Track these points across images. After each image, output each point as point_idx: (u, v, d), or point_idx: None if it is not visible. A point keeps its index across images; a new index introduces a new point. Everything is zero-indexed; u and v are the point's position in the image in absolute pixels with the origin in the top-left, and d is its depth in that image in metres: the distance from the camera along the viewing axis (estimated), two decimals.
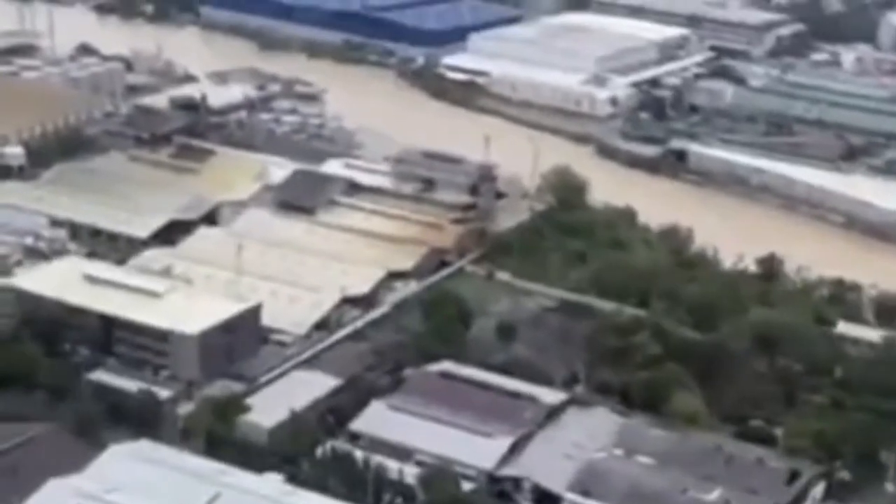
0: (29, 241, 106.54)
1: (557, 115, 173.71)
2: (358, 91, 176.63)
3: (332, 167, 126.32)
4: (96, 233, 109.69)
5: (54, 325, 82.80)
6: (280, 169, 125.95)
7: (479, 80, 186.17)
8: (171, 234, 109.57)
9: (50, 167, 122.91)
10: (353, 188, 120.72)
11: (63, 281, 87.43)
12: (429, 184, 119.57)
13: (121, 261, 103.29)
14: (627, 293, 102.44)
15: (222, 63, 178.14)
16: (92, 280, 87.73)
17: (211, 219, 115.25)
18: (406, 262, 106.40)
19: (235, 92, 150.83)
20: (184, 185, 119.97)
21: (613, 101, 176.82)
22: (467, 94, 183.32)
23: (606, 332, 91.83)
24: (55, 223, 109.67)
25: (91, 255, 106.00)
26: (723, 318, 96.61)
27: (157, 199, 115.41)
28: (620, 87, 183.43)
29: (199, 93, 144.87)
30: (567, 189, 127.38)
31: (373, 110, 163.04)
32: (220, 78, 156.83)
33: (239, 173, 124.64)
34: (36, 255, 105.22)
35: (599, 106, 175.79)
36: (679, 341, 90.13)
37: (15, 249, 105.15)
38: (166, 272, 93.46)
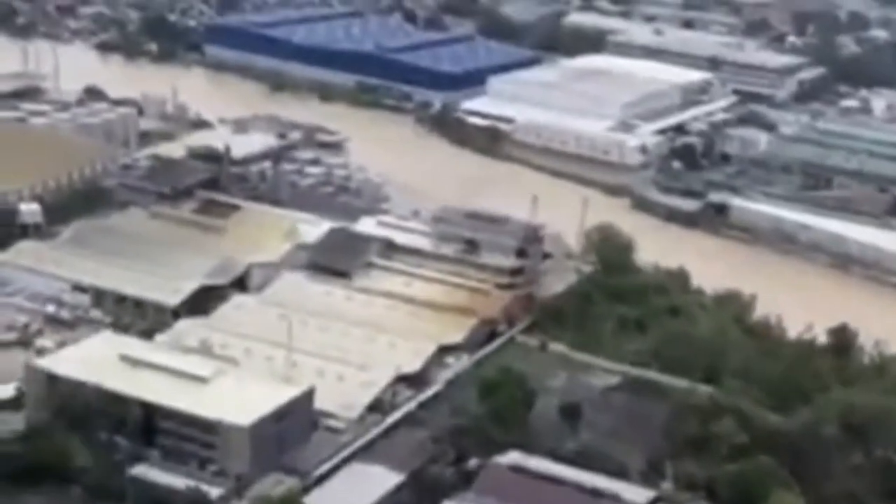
0: (50, 308, 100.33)
1: (585, 164, 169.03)
2: (377, 138, 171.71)
3: (366, 225, 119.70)
4: (121, 299, 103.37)
5: (91, 413, 76.06)
6: (310, 226, 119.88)
7: (502, 126, 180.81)
8: (200, 300, 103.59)
9: (66, 224, 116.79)
10: (390, 249, 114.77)
11: (98, 363, 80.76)
12: (471, 245, 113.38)
13: (150, 330, 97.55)
14: (693, 367, 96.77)
15: (234, 106, 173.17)
16: (130, 362, 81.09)
17: (241, 282, 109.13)
18: (455, 333, 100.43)
19: (256, 141, 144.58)
20: (210, 245, 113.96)
21: (643, 150, 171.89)
22: (490, 141, 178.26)
23: (684, 416, 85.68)
24: (76, 288, 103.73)
25: (117, 324, 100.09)
26: (802, 399, 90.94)
27: (184, 262, 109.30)
28: (648, 134, 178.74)
29: (219, 141, 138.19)
30: (613, 248, 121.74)
31: (395, 159, 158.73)
32: (239, 126, 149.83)
33: (267, 231, 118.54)
34: (57, 323, 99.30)
35: (629, 154, 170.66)
36: (764, 428, 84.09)
37: (35, 318, 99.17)
38: (207, 350, 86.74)
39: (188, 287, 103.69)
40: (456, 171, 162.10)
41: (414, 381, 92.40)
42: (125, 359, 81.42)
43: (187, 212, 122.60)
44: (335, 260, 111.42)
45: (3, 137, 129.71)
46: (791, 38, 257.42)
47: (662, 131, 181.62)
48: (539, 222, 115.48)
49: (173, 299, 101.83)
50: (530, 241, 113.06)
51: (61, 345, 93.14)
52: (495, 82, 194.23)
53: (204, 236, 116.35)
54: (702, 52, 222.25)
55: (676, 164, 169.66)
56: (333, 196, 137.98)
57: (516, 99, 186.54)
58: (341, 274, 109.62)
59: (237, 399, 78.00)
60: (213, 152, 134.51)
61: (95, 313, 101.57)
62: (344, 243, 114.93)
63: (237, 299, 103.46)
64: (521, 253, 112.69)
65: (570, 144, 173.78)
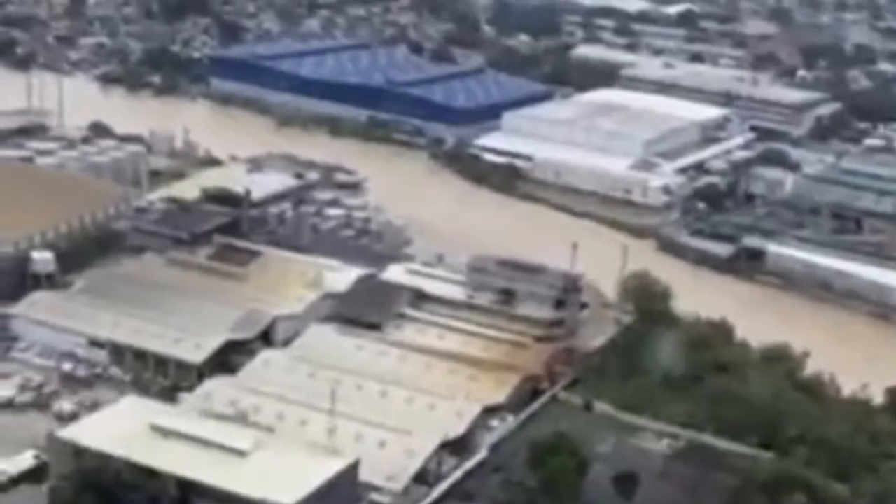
0: (66, 366, 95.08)
1: (606, 204, 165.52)
2: (391, 175, 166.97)
3: (395, 273, 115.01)
4: (140, 355, 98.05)
5: (121, 489, 70.34)
6: (334, 273, 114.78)
7: (520, 163, 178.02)
8: (225, 355, 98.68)
9: (79, 272, 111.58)
10: (420, 299, 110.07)
11: (127, 432, 75.15)
12: (507, 295, 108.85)
13: (173, 389, 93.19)
14: (749, 431, 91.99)
15: (242, 142, 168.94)
16: (162, 432, 75.46)
17: (265, 334, 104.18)
18: (498, 392, 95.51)
19: (273, 181, 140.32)
20: (232, 295, 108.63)
21: (667, 190, 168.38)
22: (508, 178, 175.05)
23: (749, 488, 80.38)
24: (93, 343, 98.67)
25: (136, 382, 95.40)
26: (864, 466, 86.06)
27: (206, 313, 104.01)
28: (670, 173, 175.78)
29: (233, 181, 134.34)
30: (650, 297, 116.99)
31: (412, 198, 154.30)
32: (254, 164, 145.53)
33: (290, 279, 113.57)
34: (73, 382, 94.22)
35: (653, 194, 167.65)
36: (834, 501, 78.90)
37: (50, 376, 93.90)
38: (242, 417, 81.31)
39: (212, 342, 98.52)
40: (476, 212, 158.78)
41: (458, 446, 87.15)
42: (156, 429, 75.83)
43: (205, 258, 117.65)
44: (365, 311, 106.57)
45: (12, 178, 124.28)
46: (801, 73, 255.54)
47: (683, 170, 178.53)
48: (578, 271, 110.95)
49: (197, 356, 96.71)
50: (569, 291, 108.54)
51: (80, 406, 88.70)
52: (510, 118, 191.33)
53: (224, 285, 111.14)
54: (715, 87, 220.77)
55: (701, 205, 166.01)
56: (355, 240, 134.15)
57: (533, 135, 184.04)
58: (372, 326, 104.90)
59: (279, 474, 72.52)
60: (230, 194, 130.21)
61: (114, 371, 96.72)
62: (373, 293, 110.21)
63: (265, 355, 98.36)
64: (559, 303, 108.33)
65: (591, 183, 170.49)
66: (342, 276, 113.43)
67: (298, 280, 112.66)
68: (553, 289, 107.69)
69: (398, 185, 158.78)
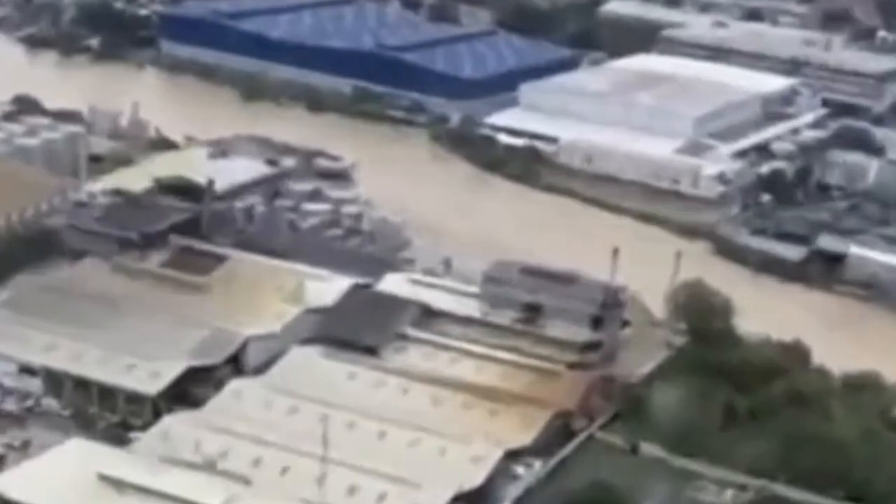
0: None
1: (648, 196, 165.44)
2: (385, 161, 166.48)
3: (393, 283, 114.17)
4: (82, 384, 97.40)
5: None
6: (318, 283, 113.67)
7: (541, 146, 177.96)
8: (186, 384, 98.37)
9: (3, 281, 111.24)
10: (426, 316, 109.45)
11: (69, 484, 74.43)
12: (532, 311, 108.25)
13: (123, 427, 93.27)
14: (835, 480, 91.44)
15: (202, 120, 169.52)
16: (113, 485, 74.67)
17: (235, 359, 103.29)
18: (523, 433, 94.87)
19: (240, 169, 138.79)
20: (192, 309, 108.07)
21: (722, 178, 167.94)
22: (527, 165, 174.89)
23: None
24: (24, 370, 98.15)
25: (78, 417, 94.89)
26: None
27: (162, 332, 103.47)
28: (726, 157, 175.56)
29: (193, 170, 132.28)
30: (706, 312, 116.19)
31: (410, 189, 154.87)
32: (217, 148, 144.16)
33: (264, 291, 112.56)
34: (2, 418, 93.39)
35: (706, 184, 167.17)
36: None
37: None
38: (210, 465, 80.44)
39: (170, 370, 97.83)
40: (489, 207, 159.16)
41: (475, 500, 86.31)
42: (105, 480, 75.13)
43: (158, 264, 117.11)
44: (357, 331, 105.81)
45: None
46: (882, 34, 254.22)
47: (742, 154, 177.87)
48: (620, 282, 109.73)
49: (152, 386, 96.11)
50: (609, 307, 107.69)
51: (9, 449, 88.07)
52: (529, 91, 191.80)
53: (183, 297, 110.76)
54: (779, 52, 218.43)
55: (764, 198, 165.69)
56: (343, 242, 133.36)
57: (557, 111, 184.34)
58: (366, 349, 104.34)
59: None
60: (188, 185, 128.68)
61: (50, 404, 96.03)
62: (367, 308, 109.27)
63: (235, 385, 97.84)
64: (597, 322, 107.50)
65: (630, 171, 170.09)
66: (328, 286, 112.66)
67: (274, 291, 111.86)
68: (589, 304, 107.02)
69: (393, 174, 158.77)
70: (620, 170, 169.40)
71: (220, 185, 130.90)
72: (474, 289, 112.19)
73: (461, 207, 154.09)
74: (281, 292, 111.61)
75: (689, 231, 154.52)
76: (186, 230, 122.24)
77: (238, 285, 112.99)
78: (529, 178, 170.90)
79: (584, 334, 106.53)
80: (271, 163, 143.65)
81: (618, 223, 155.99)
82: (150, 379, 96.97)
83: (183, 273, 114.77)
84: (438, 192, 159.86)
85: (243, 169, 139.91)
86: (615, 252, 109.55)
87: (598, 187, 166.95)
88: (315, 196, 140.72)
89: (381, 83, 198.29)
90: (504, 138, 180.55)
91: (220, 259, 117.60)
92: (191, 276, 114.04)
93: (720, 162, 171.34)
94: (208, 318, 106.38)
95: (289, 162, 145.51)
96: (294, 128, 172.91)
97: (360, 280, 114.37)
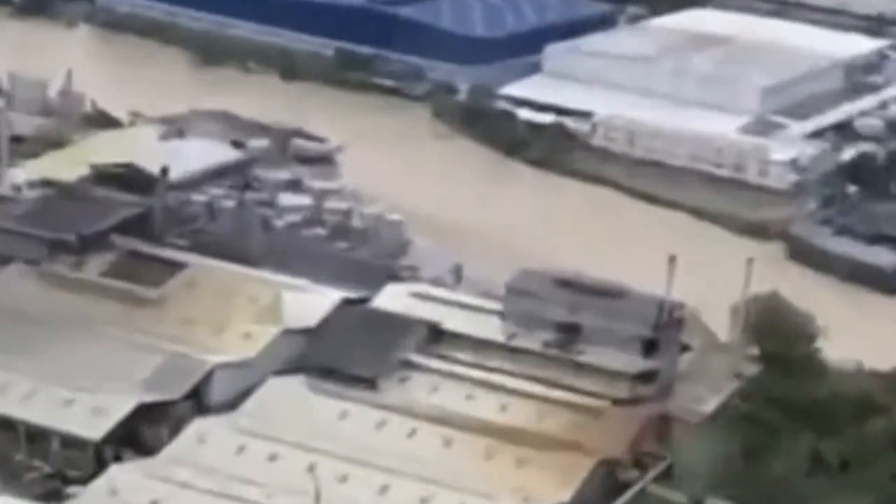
0: None
1: (706, 186, 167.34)
2: (377, 142, 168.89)
3: (393, 298, 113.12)
4: (6, 425, 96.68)
5: None
6: (299, 296, 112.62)
7: (572, 123, 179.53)
8: (136, 424, 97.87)
9: None
10: (436, 338, 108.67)
11: None
12: (570, 333, 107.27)
13: (59, 479, 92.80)
14: None
15: (150, 90, 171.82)
16: None
17: (196, 393, 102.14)
18: (559, 487, 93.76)
19: (199, 153, 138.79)
20: (143, 330, 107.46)
21: (797, 165, 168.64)
22: (554, 148, 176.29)
23: None
24: None
25: (2, 468, 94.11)
26: None
27: (105, 360, 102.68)
28: (800, 138, 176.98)
29: (142, 153, 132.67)
30: (783, 334, 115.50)
31: (410, 179, 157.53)
32: (170, 127, 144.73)
33: (232, 306, 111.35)
34: None
35: (776, 172, 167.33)
36: None
37: None
38: None
39: (117, 407, 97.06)
40: (508, 199, 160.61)
41: None
42: None
43: (99, 272, 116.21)
44: (350, 357, 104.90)
45: None
46: None
47: (820, 133, 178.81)
48: (676, 298, 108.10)
49: (95, 429, 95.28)
50: (665, 328, 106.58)
51: None
52: (555, 54, 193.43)
53: (131, 314, 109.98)
54: (863, 8, 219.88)
55: (850, 189, 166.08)
56: (328, 244, 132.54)
57: (590, 80, 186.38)
58: (362, 381, 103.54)
59: None
60: (136, 173, 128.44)
61: None
62: (361, 329, 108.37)
63: (199, 426, 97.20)
64: (650, 346, 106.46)
65: (682, 155, 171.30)
66: (312, 301, 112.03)
67: (245, 307, 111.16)
68: (640, 324, 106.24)
69: (388, 158, 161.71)
70: (670, 153, 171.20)
71: (175, 174, 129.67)
72: (495, 304, 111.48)
73: (473, 200, 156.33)
74: (253, 308, 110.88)
75: (757, 230, 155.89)
76: (133, 230, 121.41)
77: (199, 299, 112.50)
78: (557, 163, 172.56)
79: (633, 362, 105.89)
80: (237, 145, 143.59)
81: (668, 220, 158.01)
82: (92, 419, 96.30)
83: (130, 284, 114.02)
84: (444, 181, 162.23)
85: (203, 153, 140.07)
86: (672, 259, 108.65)
87: (643, 175, 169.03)
88: (292, 187, 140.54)
89: (371, 44, 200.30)
90: (525, 114, 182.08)
91: (176, 266, 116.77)
92: (140, 288, 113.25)
93: (793, 144, 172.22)
94: (163, 341, 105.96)
95: (259, 144, 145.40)
96: (264, 100, 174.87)
97: (352, 293, 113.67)
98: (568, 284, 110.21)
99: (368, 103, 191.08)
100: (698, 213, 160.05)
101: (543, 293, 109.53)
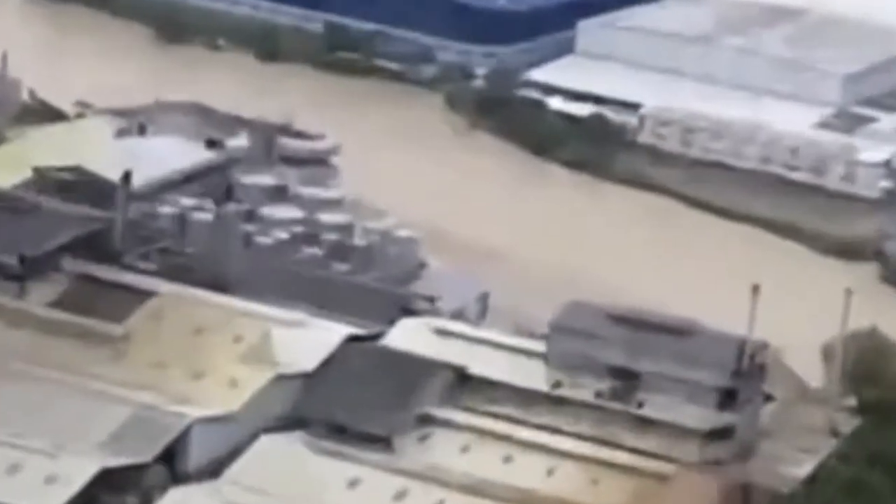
0: None
1: (780, 194, 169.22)
2: (379, 138, 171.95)
3: (407, 333, 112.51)
4: None
5: None
6: (293, 333, 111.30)
7: (614, 116, 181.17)
8: (98, 492, 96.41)
9: None
10: (461, 385, 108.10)
11: None
12: (628, 381, 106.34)
13: None
14: None
15: (102, 75, 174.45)
16: None
17: (168, 455, 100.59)
18: None
19: (168, 153, 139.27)
20: (103, 376, 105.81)
21: (890, 168, 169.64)
22: (594, 146, 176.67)
23: None
24: None
25: None
26: None
27: (58, 413, 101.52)
28: (893, 134, 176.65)
29: (100, 157, 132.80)
30: (888, 379, 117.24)
31: (423, 184, 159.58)
32: (131, 121, 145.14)
33: (211, 345, 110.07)
34: None
35: (864, 176, 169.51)
36: None
37: None
38: None
39: (75, 474, 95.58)
40: (540, 208, 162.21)
41: None
42: None
43: (47, 303, 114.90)
44: (359, 410, 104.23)
45: None
46: None
47: None
48: (758, 338, 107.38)
49: (47, 499, 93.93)
50: (745, 375, 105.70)
51: None
52: (591, 30, 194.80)
53: (87, 355, 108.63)
54: None
55: None
56: (325, 267, 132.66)
57: (633, 63, 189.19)
58: (373, 440, 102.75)
59: None
60: (90, 179, 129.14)
61: None
62: (371, 374, 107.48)
63: (174, 496, 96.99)
64: (727, 397, 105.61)
65: (749, 155, 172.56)
66: (310, 339, 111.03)
67: (227, 347, 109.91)
68: (716, 369, 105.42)
69: (393, 159, 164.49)
70: (734, 154, 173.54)
71: (137, 179, 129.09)
72: (535, 344, 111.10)
73: (497, 211, 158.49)
74: (238, 348, 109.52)
75: (844, 248, 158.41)
76: (88, 250, 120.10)
77: (170, 337, 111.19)
78: (597, 165, 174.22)
79: (707, 417, 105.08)
80: (212, 144, 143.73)
81: (736, 235, 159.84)
82: (44, 489, 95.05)
83: (85, 317, 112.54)
84: (462, 187, 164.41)
85: (171, 153, 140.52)
86: (755, 290, 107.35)
87: (702, 180, 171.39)
88: (279, 195, 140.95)
89: (368, 18, 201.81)
90: (556, 104, 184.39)
91: (141, 295, 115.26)
92: (97, 323, 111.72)
93: (884, 142, 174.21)
94: (127, 390, 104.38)
95: (238, 142, 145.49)
96: (237, 87, 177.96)
97: (357, 329, 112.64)
98: (625, 321, 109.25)
99: (366, 91, 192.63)
100: (772, 226, 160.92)
101: (596, 331, 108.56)
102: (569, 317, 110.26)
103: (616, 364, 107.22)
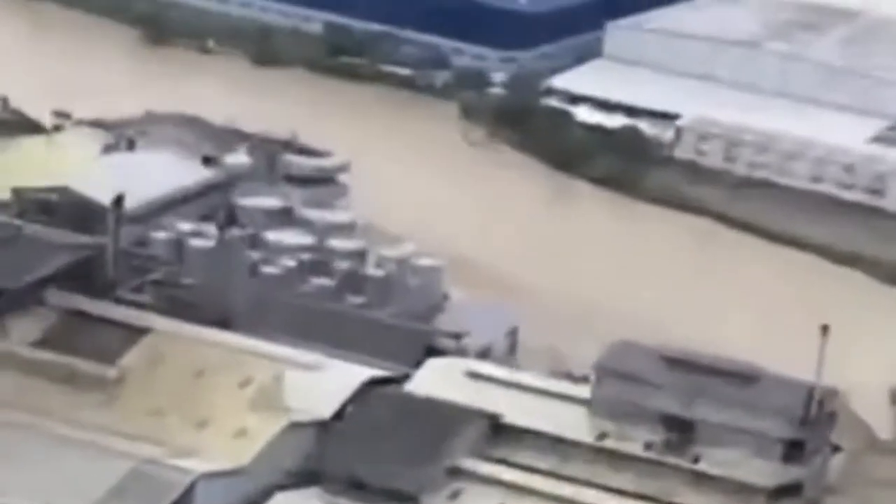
0: None
1: (834, 216, 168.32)
2: (387, 151, 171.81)
3: (434, 376, 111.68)
4: None
5: None
6: (306, 376, 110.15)
7: (649, 128, 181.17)
8: None
9: None
10: (499, 435, 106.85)
11: None
12: (683, 431, 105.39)
13: None
14: None
15: (81, 82, 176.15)
16: None
17: None
18: None
19: (162, 172, 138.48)
20: (94, 426, 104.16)
21: None
22: (625, 160, 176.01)
23: None
24: None
25: None
26: None
27: (48, 469, 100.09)
28: None
29: (86, 176, 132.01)
30: None
31: (432, 204, 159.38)
32: (119, 135, 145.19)
33: (216, 389, 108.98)
34: None
35: None
36: None
37: None
38: None
39: None
40: (570, 232, 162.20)
41: None
42: None
43: (31, 343, 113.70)
44: (383, 463, 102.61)
45: None
46: None
47: None
48: (828, 384, 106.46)
49: None
50: (813, 424, 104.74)
51: None
52: (620, 34, 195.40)
53: (77, 401, 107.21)
54: None
55: None
56: (337, 299, 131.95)
57: (667, 69, 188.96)
58: (400, 496, 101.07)
59: None
60: (74, 201, 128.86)
61: None
62: (397, 423, 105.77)
63: None
64: (792, 449, 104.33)
65: (798, 173, 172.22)
66: (325, 382, 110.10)
67: (234, 392, 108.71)
68: (781, 419, 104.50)
69: (405, 175, 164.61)
70: (782, 171, 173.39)
71: (130, 201, 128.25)
72: (576, 389, 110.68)
73: (522, 233, 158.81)
74: (246, 393, 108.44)
75: None
76: (75, 281, 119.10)
77: (170, 380, 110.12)
78: (631, 182, 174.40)
79: (771, 471, 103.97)
80: (209, 160, 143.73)
81: (788, 262, 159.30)
82: None
83: (73, 357, 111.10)
84: (481, 206, 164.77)
85: (165, 171, 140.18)
86: (824, 329, 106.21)
87: (747, 199, 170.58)
88: (285, 218, 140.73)
89: (372, 18, 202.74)
90: (583, 114, 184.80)
91: (136, 332, 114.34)
92: (87, 364, 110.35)
93: None
94: (123, 441, 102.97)
95: (239, 159, 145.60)
96: (231, 94, 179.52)
97: (376, 370, 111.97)
98: (680, 364, 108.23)
99: (372, 99, 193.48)
100: (825, 252, 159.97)
101: (647, 376, 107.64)
102: (616, 358, 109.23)
103: (669, 412, 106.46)
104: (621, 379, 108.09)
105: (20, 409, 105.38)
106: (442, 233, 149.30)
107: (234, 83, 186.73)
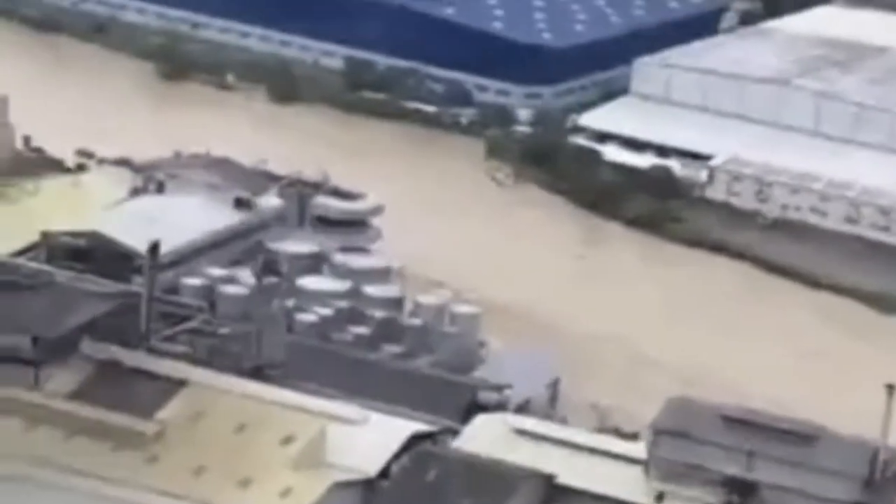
0: None
1: (869, 260, 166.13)
2: (412, 192, 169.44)
3: (483, 433, 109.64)
4: None
5: None
6: (350, 431, 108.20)
7: (680, 169, 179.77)
8: None
9: None
10: (551, 494, 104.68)
11: None
12: (743, 492, 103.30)
13: None
14: None
15: (101, 117, 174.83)
16: None
17: None
18: None
19: (193, 216, 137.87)
20: (131, 484, 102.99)
21: None
22: (657, 201, 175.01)
23: None
24: None
25: None
26: None
27: None
28: None
29: (112, 221, 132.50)
30: None
31: (457, 244, 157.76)
32: (149, 176, 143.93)
33: (256, 446, 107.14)
34: None
35: None
36: None
37: None
38: None
39: None
40: (600, 273, 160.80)
41: None
42: None
43: (65, 395, 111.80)
44: None
45: None
46: None
47: None
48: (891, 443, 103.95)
49: None
50: (879, 488, 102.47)
51: None
52: (648, 70, 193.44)
53: (113, 457, 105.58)
54: None
55: None
56: (373, 346, 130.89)
57: (696, 106, 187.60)
58: None
59: None
60: (107, 246, 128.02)
61: None
62: (444, 482, 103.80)
63: None
64: None
65: (833, 215, 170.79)
66: (369, 438, 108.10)
67: (277, 449, 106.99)
68: (846, 480, 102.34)
69: (429, 216, 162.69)
70: (817, 212, 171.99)
71: (162, 247, 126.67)
72: (631, 448, 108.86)
73: (553, 277, 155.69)
74: (288, 450, 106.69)
75: None
76: (109, 331, 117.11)
77: (210, 435, 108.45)
78: (663, 224, 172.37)
79: None
80: (241, 203, 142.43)
81: (824, 306, 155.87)
82: None
83: (110, 411, 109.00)
84: (511, 248, 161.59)
85: (196, 215, 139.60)
86: (890, 389, 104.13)
87: (781, 242, 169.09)
88: (318, 264, 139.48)
89: (394, 54, 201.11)
90: (613, 153, 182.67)
91: (173, 384, 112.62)
92: (126, 419, 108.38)
93: None
94: (165, 501, 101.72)
95: (270, 201, 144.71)
96: (252, 131, 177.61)
97: (420, 425, 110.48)
98: (740, 423, 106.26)
99: (395, 136, 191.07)
100: (864, 298, 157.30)
101: (706, 435, 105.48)
102: (674, 417, 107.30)
103: (730, 474, 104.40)
104: (679, 438, 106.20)
105: (55, 467, 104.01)
106: (470, 276, 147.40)
107: (254, 119, 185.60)
